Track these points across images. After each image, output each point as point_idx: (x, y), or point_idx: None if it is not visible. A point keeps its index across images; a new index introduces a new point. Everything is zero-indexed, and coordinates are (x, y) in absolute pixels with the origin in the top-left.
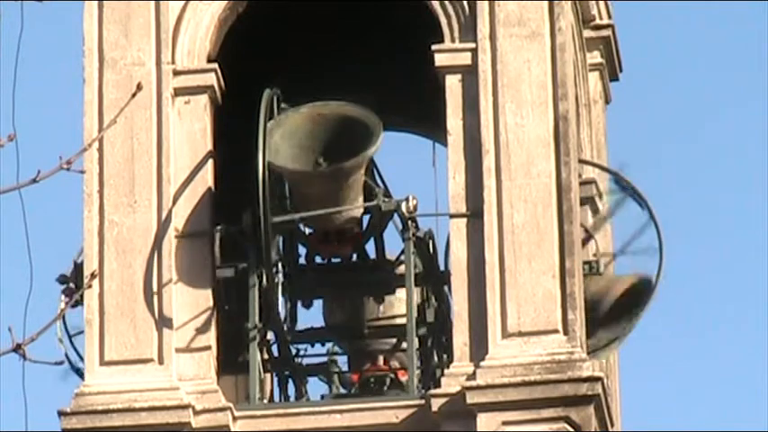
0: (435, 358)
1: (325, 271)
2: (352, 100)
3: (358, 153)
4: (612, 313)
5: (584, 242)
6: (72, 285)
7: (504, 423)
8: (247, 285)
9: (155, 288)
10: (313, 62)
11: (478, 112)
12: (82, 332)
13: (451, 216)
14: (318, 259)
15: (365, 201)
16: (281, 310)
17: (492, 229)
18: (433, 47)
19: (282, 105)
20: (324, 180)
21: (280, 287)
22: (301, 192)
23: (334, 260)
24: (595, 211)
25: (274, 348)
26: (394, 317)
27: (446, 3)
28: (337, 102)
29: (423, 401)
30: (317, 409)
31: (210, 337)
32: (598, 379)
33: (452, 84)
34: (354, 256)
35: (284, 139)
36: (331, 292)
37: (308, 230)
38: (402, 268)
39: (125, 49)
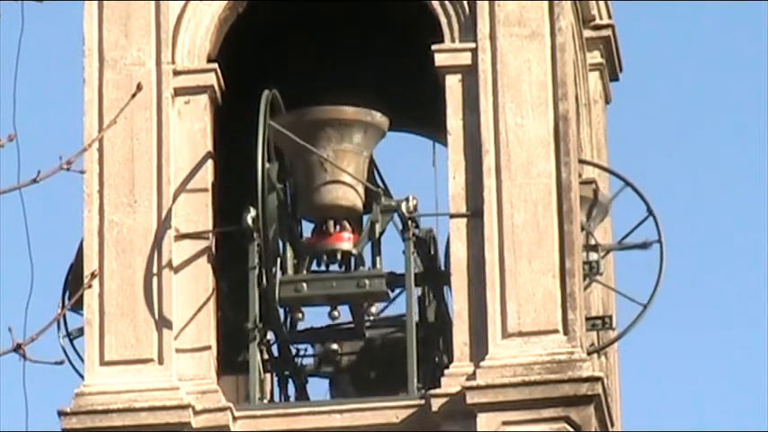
0: (435, 358)
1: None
2: (352, 99)
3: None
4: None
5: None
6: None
7: (504, 423)
8: (247, 285)
9: (155, 288)
10: (313, 62)
11: (478, 112)
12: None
13: (451, 216)
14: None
15: (366, 196)
16: (281, 310)
17: (492, 229)
18: (433, 47)
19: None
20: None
21: (279, 287)
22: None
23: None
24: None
25: (274, 348)
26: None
27: (446, 3)
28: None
29: (423, 401)
30: (317, 409)
31: (210, 337)
32: (598, 379)
33: (452, 84)
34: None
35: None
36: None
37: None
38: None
39: (125, 49)
